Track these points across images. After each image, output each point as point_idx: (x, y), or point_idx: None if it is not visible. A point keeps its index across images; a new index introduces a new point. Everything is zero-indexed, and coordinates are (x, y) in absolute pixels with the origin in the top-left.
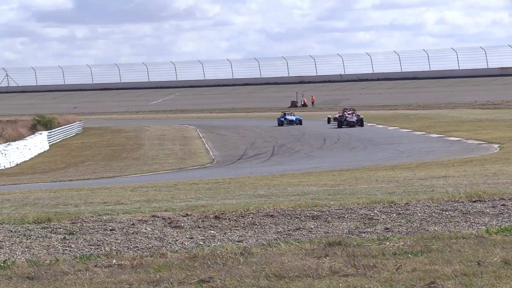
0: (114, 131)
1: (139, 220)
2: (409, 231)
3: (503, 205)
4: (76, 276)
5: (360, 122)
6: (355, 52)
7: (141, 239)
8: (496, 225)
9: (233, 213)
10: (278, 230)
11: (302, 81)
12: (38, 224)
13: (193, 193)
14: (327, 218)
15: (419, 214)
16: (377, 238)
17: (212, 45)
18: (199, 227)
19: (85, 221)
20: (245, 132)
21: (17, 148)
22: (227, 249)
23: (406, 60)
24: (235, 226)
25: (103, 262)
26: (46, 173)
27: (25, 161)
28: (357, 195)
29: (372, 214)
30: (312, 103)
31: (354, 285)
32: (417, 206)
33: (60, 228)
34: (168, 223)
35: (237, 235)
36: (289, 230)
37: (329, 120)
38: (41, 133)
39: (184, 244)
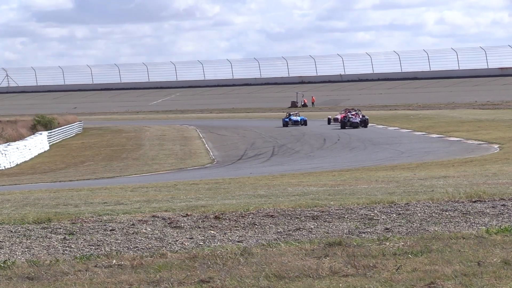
0: (114, 132)
1: (139, 220)
2: (409, 231)
3: (503, 205)
4: (76, 276)
5: (363, 123)
6: (355, 52)
7: (141, 239)
8: (496, 225)
9: (233, 213)
10: (278, 230)
11: (302, 81)
12: (38, 224)
13: (193, 193)
14: (327, 218)
15: (419, 214)
16: (377, 238)
17: (212, 45)
18: (199, 227)
19: (85, 221)
20: (245, 132)
21: (17, 148)
22: (227, 249)
23: (406, 60)
24: (235, 226)
25: (103, 262)
26: (46, 173)
27: (25, 161)
28: (357, 195)
29: (372, 214)
30: (312, 103)
31: (354, 285)
32: (417, 206)
33: (60, 228)
34: (168, 223)
35: (237, 235)
36: (289, 230)
37: (329, 121)
38: (41, 133)
39: (184, 244)
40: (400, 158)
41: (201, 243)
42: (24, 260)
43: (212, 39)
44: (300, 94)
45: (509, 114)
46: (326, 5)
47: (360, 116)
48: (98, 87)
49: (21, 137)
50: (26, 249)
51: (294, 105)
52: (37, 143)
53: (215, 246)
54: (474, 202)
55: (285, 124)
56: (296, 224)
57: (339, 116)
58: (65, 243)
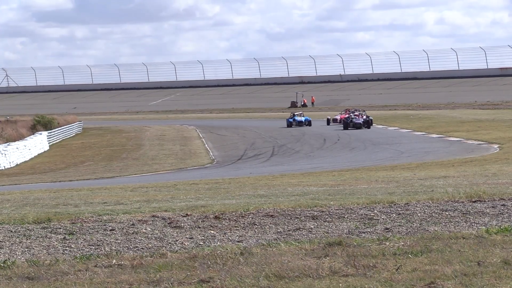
0: (114, 132)
1: (139, 220)
2: (409, 231)
3: (503, 205)
4: (76, 276)
5: (367, 124)
6: (355, 52)
7: (141, 239)
8: (496, 225)
9: (233, 213)
10: (278, 230)
11: (302, 81)
12: (38, 224)
13: (193, 193)
14: (327, 218)
15: (419, 214)
16: (377, 238)
17: (212, 45)
18: (199, 227)
19: (85, 221)
20: (245, 132)
21: (17, 148)
22: (227, 249)
23: (406, 60)
24: (235, 226)
25: (103, 262)
26: (46, 173)
27: (25, 161)
28: (357, 195)
29: (372, 214)
30: (312, 103)
31: (354, 285)
32: (417, 206)
33: (60, 228)
34: (168, 223)
35: (237, 235)
36: (289, 230)
37: (328, 122)
38: (41, 133)
39: (184, 244)
40: (400, 158)
41: (201, 243)
42: (24, 260)
43: (212, 39)
44: (300, 94)
45: (509, 114)
46: (326, 5)
47: (364, 117)
48: (98, 87)
49: (21, 137)
50: (26, 249)
51: (294, 105)
52: (37, 143)
53: (215, 246)
54: (474, 202)
55: (289, 125)
56: (296, 224)
57: (338, 117)
58: (65, 243)
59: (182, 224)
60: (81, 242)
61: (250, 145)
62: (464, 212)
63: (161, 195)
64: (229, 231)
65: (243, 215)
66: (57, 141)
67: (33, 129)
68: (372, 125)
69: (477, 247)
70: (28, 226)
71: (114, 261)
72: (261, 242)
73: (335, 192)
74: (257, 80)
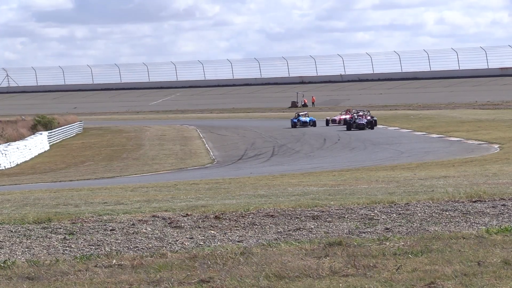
0: (114, 131)
1: (139, 220)
2: (409, 231)
3: (503, 205)
4: (76, 276)
5: (370, 125)
6: (355, 52)
7: (141, 239)
8: (496, 225)
9: (233, 213)
10: (278, 230)
11: (302, 81)
12: (38, 224)
13: (193, 193)
14: (327, 218)
15: (419, 214)
16: (377, 238)
17: (212, 45)
18: (199, 227)
19: (85, 221)
20: (245, 132)
21: (17, 148)
22: (227, 249)
23: (406, 60)
24: (235, 226)
25: (103, 262)
26: (46, 173)
27: (25, 161)
28: (357, 195)
29: (372, 214)
30: (313, 103)
31: (354, 285)
32: (417, 206)
33: (60, 228)
34: (168, 223)
35: (237, 235)
36: (289, 230)
37: (327, 122)
38: (41, 133)
39: (184, 244)
40: (400, 158)
41: (201, 243)
42: (24, 260)
43: (212, 39)
44: (300, 94)
45: (509, 114)
46: (325, 5)
47: (368, 117)
48: (98, 87)
49: (21, 137)
50: (26, 249)
51: (294, 105)
52: (37, 143)
53: (215, 246)
54: (474, 202)
55: (294, 125)
56: (296, 224)
57: (337, 117)
58: (65, 243)
59: (182, 224)
60: (81, 242)
61: (251, 145)
62: (465, 212)
63: (161, 195)
64: (229, 231)
65: (243, 215)
66: (58, 141)
67: (34, 129)
68: (376, 125)
69: (477, 247)
70: (28, 226)
71: (114, 261)
72: (261, 242)
73: (335, 192)
74: (257, 80)
